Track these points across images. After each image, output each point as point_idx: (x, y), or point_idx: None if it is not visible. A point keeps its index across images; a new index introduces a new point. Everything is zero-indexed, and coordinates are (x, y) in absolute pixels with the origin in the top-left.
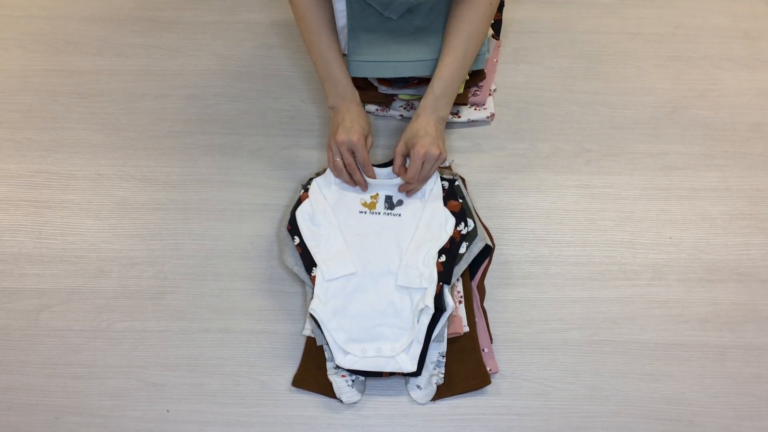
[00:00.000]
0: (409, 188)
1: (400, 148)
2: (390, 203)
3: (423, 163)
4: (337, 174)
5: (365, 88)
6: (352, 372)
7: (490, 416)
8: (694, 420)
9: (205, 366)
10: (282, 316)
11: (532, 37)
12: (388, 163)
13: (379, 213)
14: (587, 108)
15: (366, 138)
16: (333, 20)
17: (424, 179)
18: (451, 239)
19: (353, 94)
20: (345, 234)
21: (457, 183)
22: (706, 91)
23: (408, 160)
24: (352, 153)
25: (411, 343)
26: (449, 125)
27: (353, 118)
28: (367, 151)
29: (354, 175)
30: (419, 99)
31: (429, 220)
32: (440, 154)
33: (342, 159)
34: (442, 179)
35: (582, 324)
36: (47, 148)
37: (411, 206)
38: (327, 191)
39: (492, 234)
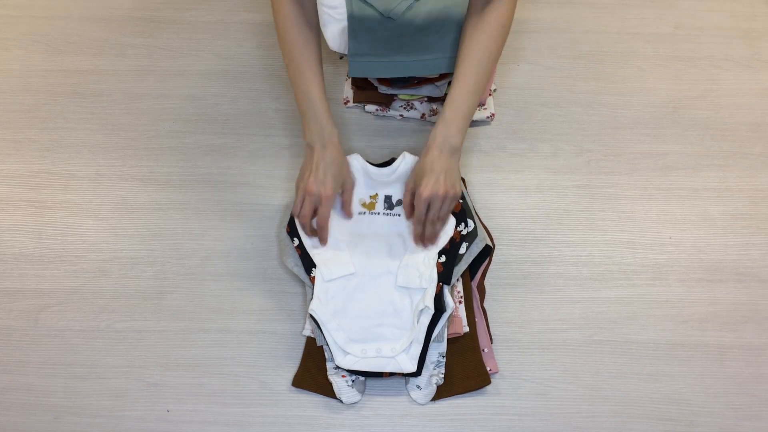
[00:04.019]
0: (420, 232)
1: (410, 184)
2: (389, 203)
3: (429, 205)
4: (300, 221)
5: (365, 88)
6: (352, 372)
7: (490, 416)
8: (694, 420)
9: (205, 366)
10: (282, 316)
11: (532, 37)
12: (388, 163)
13: (378, 213)
14: (587, 108)
15: (343, 184)
16: (319, 57)
17: (435, 221)
18: (452, 240)
19: (331, 133)
20: (344, 234)
21: None
22: (706, 91)
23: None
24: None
25: (411, 343)
26: None
27: (327, 166)
28: (329, 210)
29: (320, 232)
30: (419, 99)
31: None
32: (446, 192)
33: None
34: None
35: (582, 324)
36: (47, 148)
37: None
38: None
39: (492, 234)
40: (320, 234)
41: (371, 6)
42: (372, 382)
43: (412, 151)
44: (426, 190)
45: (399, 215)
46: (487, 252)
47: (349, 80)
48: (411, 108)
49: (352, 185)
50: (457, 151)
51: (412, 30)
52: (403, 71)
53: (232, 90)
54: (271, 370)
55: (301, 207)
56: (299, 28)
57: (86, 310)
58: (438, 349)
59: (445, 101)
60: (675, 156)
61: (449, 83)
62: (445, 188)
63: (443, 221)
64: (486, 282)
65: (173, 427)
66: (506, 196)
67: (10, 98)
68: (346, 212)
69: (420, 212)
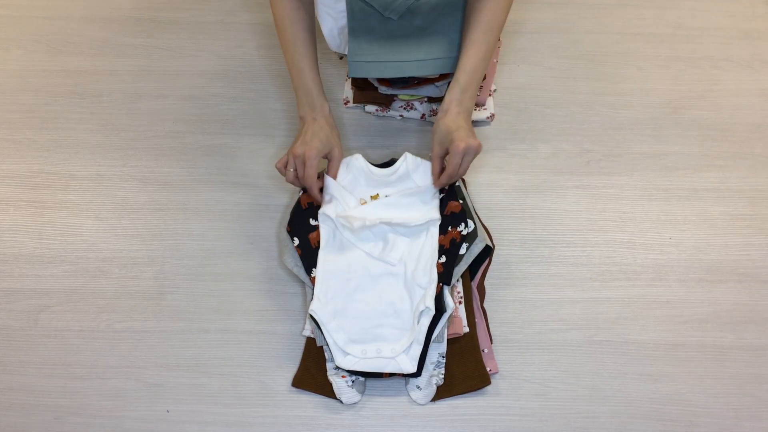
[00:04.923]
0: (444, 183)
1: (438, 151)
2: None
3: (463, 156)
4: (287, 180)
5: (365, 88)
6: (352, 373)
7: (490, 416)
8: (694, 420)
9: (205, 366)
10: (282, 316)
11: (532, 37)
12: (388, 163)
13: None
14: (587, 108)
15: (331, 152)
16: (312, 28)
17: (462, 174)
18: (452, 240)
19: (322, 105)
20: (345, 234)
21: (457, 183)
22: (706, 91)
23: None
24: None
25: (411, 344)
26: None
27: (315, 132)
28: (314, 169)
29: (310, 191)
30: (419, 99)
31: (417, 256)
32: (479, 145)
33: (295, 171)
34: None
35: (582, 324)
36: (47, 148)
37: (411, 207)
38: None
39: (492, 234)
40: (311, 193)
41: (371, 6)
42: (372, 383)
43: (413, 152)
44: (462, 142)
45: None
46: (487, 252)
47: (349, 80)
48: (411, 108)
49: (340, 155)
50: (470, 115)
51: (411, 30)
52: (403, 72)
53: (232, 90)
54: (271, 371)
55: (287, 168)
56: (295, 5)
57: (86, 310)
58: (438, 350)
59: (458, 67)
60: (675, 156)
61: (449, 83)
62: (476, 141)
63: (465, 172)
64: (486, 282)
65: (173, 427)
66: (506, 197)
67: (10, 98)
68: (309, 190)
69: (456, 164)
